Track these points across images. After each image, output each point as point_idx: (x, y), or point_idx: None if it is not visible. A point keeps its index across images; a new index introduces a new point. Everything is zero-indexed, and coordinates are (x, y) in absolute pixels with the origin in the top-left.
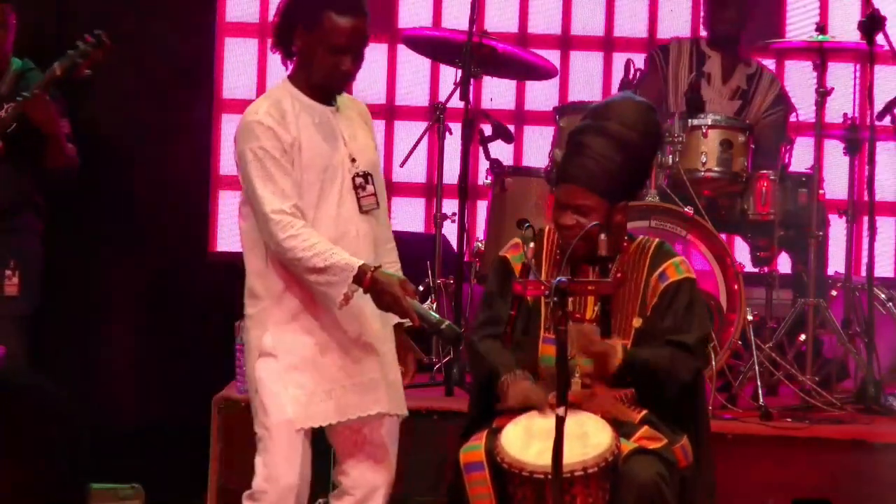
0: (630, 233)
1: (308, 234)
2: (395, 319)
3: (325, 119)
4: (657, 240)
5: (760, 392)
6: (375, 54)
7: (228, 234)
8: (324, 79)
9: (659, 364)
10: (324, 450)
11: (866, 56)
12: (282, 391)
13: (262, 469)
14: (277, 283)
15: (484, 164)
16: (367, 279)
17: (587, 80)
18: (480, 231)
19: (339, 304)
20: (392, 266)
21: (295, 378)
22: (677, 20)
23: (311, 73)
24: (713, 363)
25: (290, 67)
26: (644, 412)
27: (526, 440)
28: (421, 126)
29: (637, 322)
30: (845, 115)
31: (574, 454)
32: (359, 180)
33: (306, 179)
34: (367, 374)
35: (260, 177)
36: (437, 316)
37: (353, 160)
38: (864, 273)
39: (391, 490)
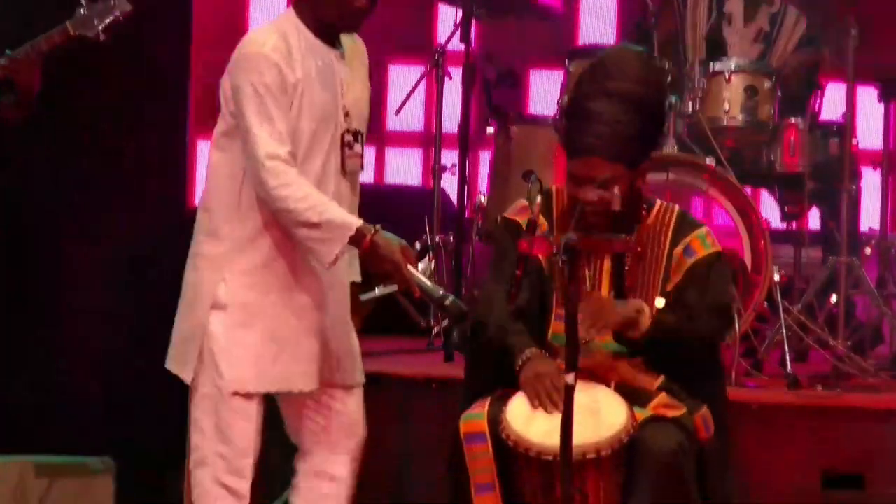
0: (648, 199)
1: (302, 184)
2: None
3: (329, 64)
4: (678, 208)
5: (788, 358)
6: None
7: None
8: (334, 17)
9: (684, 328)
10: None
11: None
12: (232, 349)
13: (212, 431)
14: (247, 229)
15: (486, 112)
16: (365, 241)
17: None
18: (483, 184)
19: (327, 264)
20: None
21: (245, 337)
22: None
23: (319, 8)
24: (737, 327)
25: None
26: (661, 379)
27: (534, 415)
28: (418, 70)
29: (660, 303)
30: None
31: (587, 434)
32: (348, 137)
33: (299, 128)
34: (327, 342)
35: (257, 114)
36: (440, 290)
37: (347, 114)
38: None
39: (359, 465)
